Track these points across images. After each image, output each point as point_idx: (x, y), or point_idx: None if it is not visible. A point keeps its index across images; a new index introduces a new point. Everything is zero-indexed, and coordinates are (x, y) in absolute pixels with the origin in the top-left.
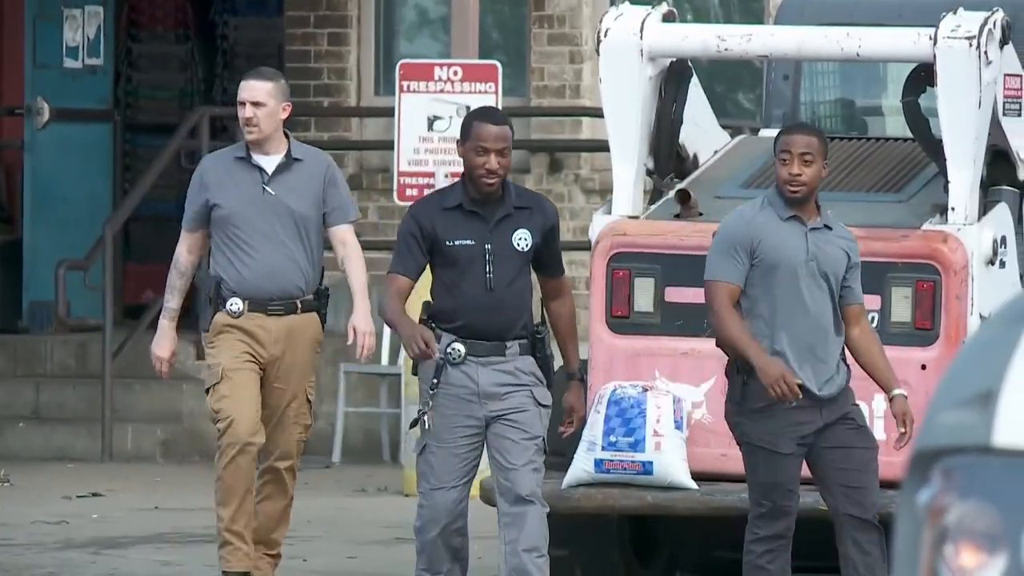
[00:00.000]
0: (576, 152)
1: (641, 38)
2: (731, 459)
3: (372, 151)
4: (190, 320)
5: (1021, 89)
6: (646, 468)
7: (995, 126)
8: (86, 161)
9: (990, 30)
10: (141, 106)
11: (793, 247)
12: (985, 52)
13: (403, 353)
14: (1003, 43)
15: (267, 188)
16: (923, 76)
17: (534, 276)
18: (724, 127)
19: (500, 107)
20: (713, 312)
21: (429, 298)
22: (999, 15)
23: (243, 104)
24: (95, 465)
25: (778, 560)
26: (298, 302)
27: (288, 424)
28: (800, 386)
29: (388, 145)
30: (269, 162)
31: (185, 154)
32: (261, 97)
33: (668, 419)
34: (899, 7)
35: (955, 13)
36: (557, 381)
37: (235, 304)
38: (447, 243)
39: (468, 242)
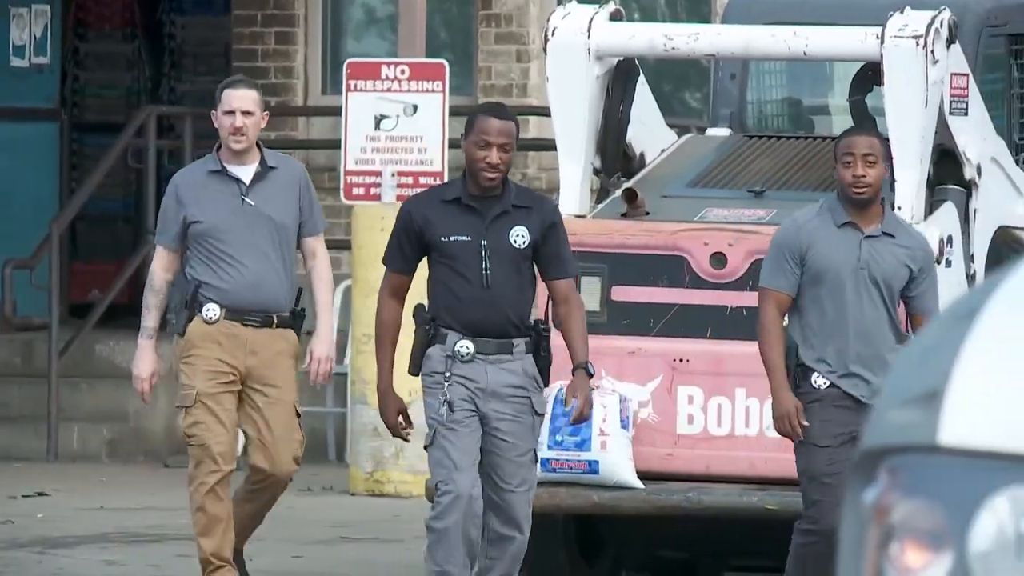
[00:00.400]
0: (523, 151)
1: (588, 37)
2: (677, 458)
3: (319, 150)
4: (135, 320)
5: (967, 88)
6: (592, 467)
7: (942, 125)
8: (33, 160)
9: (937, 29)
10: (88, 105)
11: (844, 254)
12: (932, 51)
13: (349, 352)
14: (950, 42)
15: (246, 199)
16: (870, 75)
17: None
18: (671, 126)
19: (447, 106)
20: (758, 321)
21: (422, 301)
22: (946, 14)
23: (232, 113)
24: (40, 464)
25: (813, 551)
26: (275, 316)
27: (283, 440)
28: (845, 393)
29: (335, 144)
30: (245, 172)
31: (132, 153)
32: (251, 106)
33: (614, 418)
34: (846, 6)
35: (902, 12)
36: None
37: (212, 311)
38: (442, 239)
39: (464, 238)
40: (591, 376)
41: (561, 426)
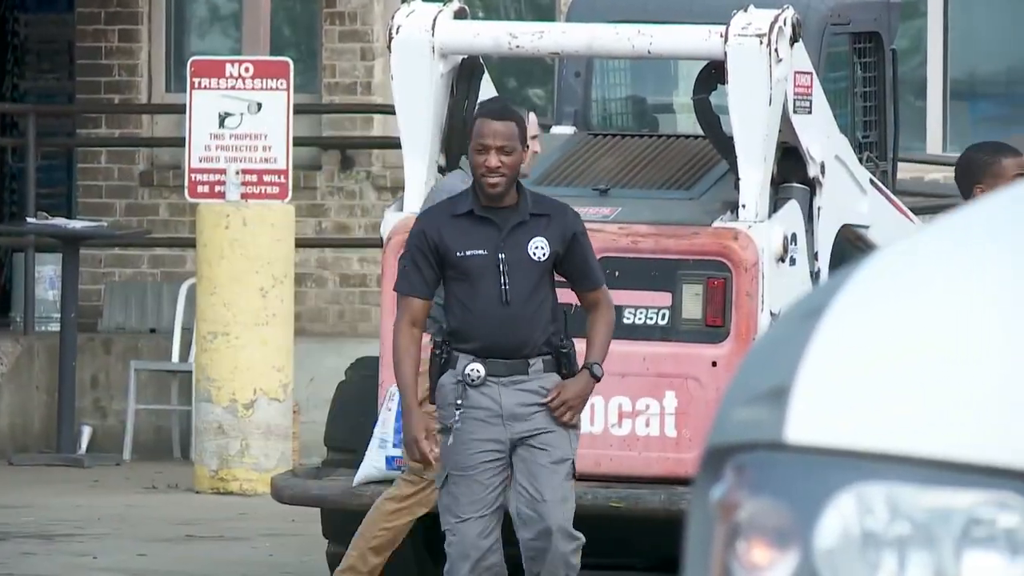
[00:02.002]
0: (367, 149)
1: (433, 35)
2: None
3: (163, 148)
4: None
5: (811, 86)
6: None
7: (785, 123)
8: None
9: (780, 28)
10: None
11: None
12: (776, 50)
13: (194, 349)
14: (793, 41)
15: None
16: (714, 73)
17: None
18: None
19: (291, 104)
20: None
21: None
22: (789, 13)
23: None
24: None
25: None
26: None
27: None
28: None
29: (179, 142)
30: None
31: None
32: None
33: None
34: (690, 4)
35: (746, 11)
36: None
37: None
38: (457, 254)
39: (480, 252)
40: (596, 379)
41: None
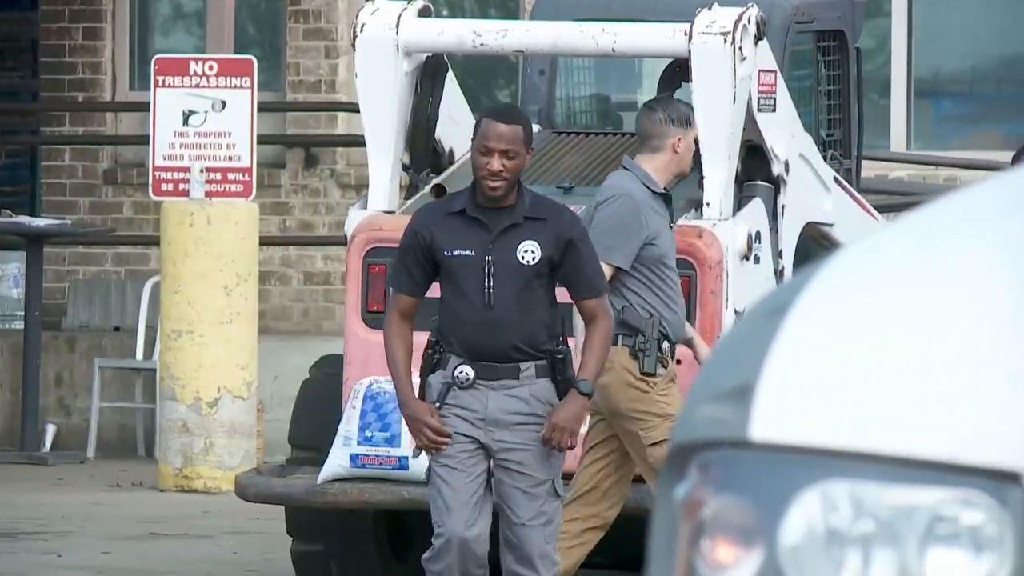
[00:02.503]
0: (332, 147)
1: (397, 33)
2: None
3: (127, 146)
4: None
5: (775, 85)
6: (402, 463)
7: (750, 121)
8: None
9: (745, 26)
10: None
11: None
12: (740, 48)
13: (158, 347)
14: (758, 39)
15: None
16: (678, 72)
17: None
18: None
19: (256, 102)
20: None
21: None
22: (754, 11)
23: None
24: None
25: None
26: None
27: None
28: None
29: (143, 140)
30: None
31: None
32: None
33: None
34: (654, 2)
35: (710, 9)
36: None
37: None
38: (445, 253)
39: (467, 253)
40: (585, 396)
41: (371, 421)
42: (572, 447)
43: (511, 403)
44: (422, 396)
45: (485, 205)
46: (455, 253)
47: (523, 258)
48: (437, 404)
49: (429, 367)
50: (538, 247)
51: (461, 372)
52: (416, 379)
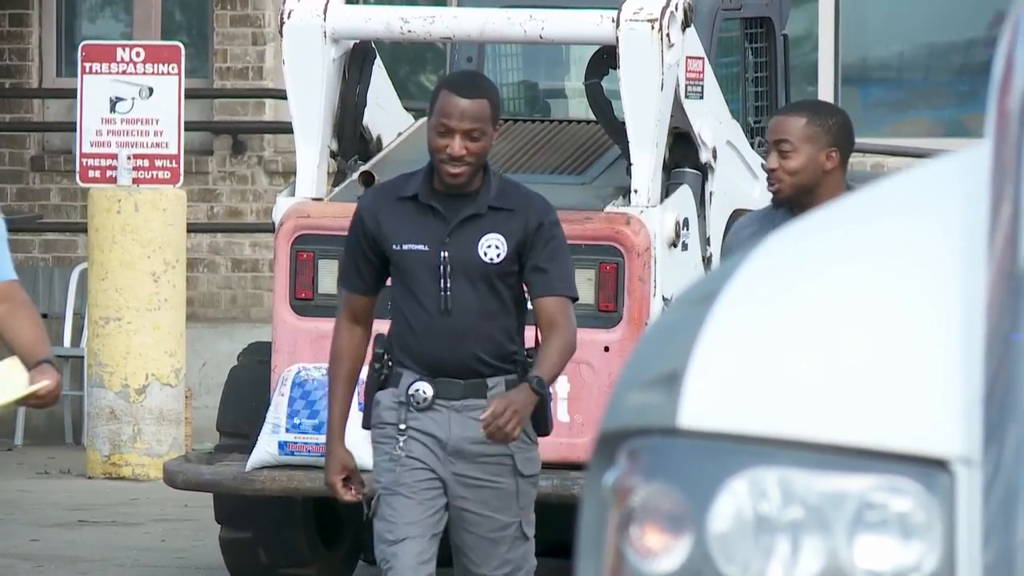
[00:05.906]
0: (259, 134)
1: (324, 20)
2: None
3: (54, 132)
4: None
5: (703, 72)
6: None
7: (677, 108)
8: None
9: (672, 13)
10: None
11: None
12: (667, 35)
13: (86, 334)
14: (685, 26)
15: None
16: (606, 58)
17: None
18: (408, 109)
19: (183, 89)
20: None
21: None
22: None
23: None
24: None
25: None
26: None
27: None
28: None
29: (70, 127)
30: None
31: None
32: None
33: (351, 401)
34: None
35: None
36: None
37: None
38: (393, 246)
39: (419, 247)
40: (537, 394)
41: (299, 408)
42: (515, 438)
43: (475, 431)
44: (367, 420)
45: (443, 191)
46: (404, 247)
47: (486, 254)
48: (400, 427)
49: (376, 384)
50: (503, 241)
51: (417, 391)
52: (356, 410)
